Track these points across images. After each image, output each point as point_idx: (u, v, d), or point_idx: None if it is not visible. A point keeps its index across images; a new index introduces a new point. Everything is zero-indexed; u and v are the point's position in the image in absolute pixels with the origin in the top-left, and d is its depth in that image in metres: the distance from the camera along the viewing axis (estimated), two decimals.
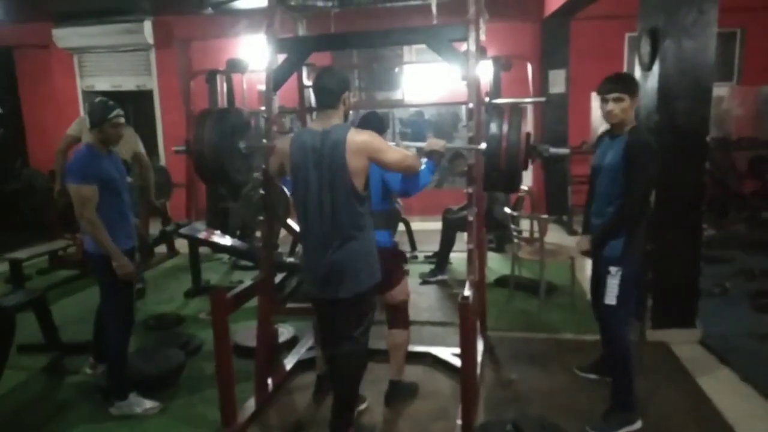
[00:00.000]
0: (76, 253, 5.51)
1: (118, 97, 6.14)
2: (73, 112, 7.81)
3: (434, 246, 5.48)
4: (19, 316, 3.80)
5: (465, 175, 2.93)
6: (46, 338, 3.87)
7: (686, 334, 3.72)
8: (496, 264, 5.56)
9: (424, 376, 3.38)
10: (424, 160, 2.64)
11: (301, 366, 3.49)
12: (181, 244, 5.72)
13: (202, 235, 4.91)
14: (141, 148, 4.64)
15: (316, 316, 2.82)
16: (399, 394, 3.08)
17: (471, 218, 2.86)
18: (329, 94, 2.40)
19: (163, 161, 7.90)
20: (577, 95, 7.33)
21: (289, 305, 3.44)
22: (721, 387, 3.15)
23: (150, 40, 7.79)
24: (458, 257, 5.39)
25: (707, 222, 5.52)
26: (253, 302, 3.07)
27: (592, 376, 3.27)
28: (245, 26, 7.14)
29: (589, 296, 4.45)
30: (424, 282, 5.16)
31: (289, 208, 3.12)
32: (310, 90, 3.05)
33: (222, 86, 6.66)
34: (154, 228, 6.12)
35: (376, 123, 2.92)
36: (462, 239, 4.06)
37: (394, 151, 2.42)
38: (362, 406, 2.98)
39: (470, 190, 2.85)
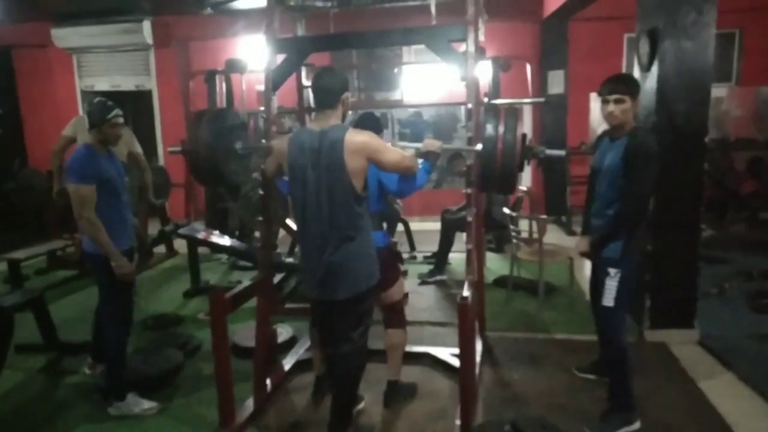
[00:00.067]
0: (74, 254, 5.51)
1: (117, 97, 6.13)
2: (72, 112, 7.80)
3: (433, 246, 5.48)
4: (18, 316, 3.79)
5: (464, 175, 2.93)
6: (45, 338, 3.87)
7: (685, 334, 3.72)
8: (495, 264, 5.56)
9: (423, 376, 3.38)
10: (420, 160, 2.64)
11: (300, 366, 3.49)
12: (180, 245, 5.72)
13: (201, 235, 4.91)
14: (137, 148, 4.63)
15: (315, 317, 2.81)
16: (397, 394, 3.08)
17: (470, 219, 2.86)
18: (329, 95, 2.39)
19: (162, 161, 7.90)
20: (575, 96, 7.34)
21: (288, 305, 3.45)
22: (720, 387, 3.16)
23: (149, 40, 7.79)
24: (457, 257, 5.39)
25: (706, 222, 5.53)
26: (252, 302, 3.07)
27: (591, 377, 3.27)
28: (244, 26, 7.14)
29: (587, 296, 4.46)
30: (423, 282, 5.16)
31: (288, 209, 3.13)
32: (310, 90, 3.05)
33: (221, 86, 6.66)
34: (153, 228, 6.13)
35: (372, 124, 2.92)
36: (461, 239, 4.06)
37: (393, 151, 2.42)
38: (359, 406, 2.98)
39: (469, 190, 2.85)
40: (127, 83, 8.32)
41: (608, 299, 2.72)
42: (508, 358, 3.61)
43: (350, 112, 3.13)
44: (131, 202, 3.21)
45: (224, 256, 6.11)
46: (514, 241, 4.72)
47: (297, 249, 4.67)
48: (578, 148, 7.34)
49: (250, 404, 3.02)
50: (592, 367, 3.30)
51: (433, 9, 3.56)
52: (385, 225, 3.22)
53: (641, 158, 2.58)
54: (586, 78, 6.98)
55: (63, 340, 3.90)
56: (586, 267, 4.79)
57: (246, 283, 3.05)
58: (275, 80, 3.08)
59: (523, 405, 3.05)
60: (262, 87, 3.17)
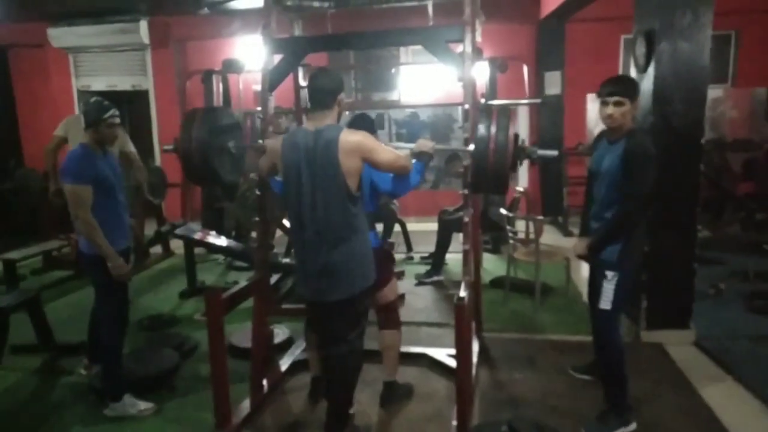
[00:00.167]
0: (70, 254, 5.50)
1: (113, 97, 6.11)
2: (69, 111, 7.78)
3: (430, 247, 5.48)
4: (13, 317, 3.79)
5: (461, 176, 2.93)
6: (40, 339, 3.85)
7: (681, 335, 3.73)
8: (492, 265, 5.57)
9: (420, 377, 3.38)
10: (413, 161, 2.64)
11: (297, 367, 3.48)
12: (177, 245, 5.72)
13: (197, 235, 4.91)
14: (130, 147, 4.63)
15: (310, 318, 2.81)
16: (394, 395, 3.08)
17: (467, 219, 2.86)
18: (325, 95, 2.39)
19: (158, 161, 7.89)
20: (572, 97, 7.35)
21: (285, 306, 3.45)
22: (716, 388, 3.16)
23: (146, 40, 7.77)
24: (454, 258, 5.39)
25: (702, 223, 5.55)
26: (249, 303, 3.07)
27: (587, 377, 3.28)
28: (241, 26, 7.13)
29: (584, 297, 4.48)
30: (420, 283, 5.16)
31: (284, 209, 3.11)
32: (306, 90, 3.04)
33: (218, 86, 6.68)
34: (150, 228, 6.12)
35: (366, 124, 2.92)
36: (458, 240, 4.07)
37: (387, 151, 2.41)
38: (351, 410, 2.97)
39: (466, 191, 2.85)
40: (123, 83, 8.30)
41: (605, 302, 2.71)
42: (505, 358, 3.61)
43: (347, 113, 3.14)
44: (127, 202, 3.19)
45: (221, 257, 6.11)
46: (511, 241, 4.72)
47: (293, 249, 4.67)
48: (575, 149, 7.36)
49: (246, 405, 3.01)
50: (588, 367, 3.30)
51: (430, 10, 3.56)
52: (378, 226, 3.21)
53: (640, 160, 2.57)
54: (583, 79, 7.01)
55: (58, 340, 3.89)
56: (583, 268, 4.80)
57: (242, 283, 3.04)
58: (272, 80, 3.08)
59: (520, 406, 3.05)
60: (259, 87, 3.17)
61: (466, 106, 2.79)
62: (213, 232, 5.19)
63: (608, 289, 2.70)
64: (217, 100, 6.45)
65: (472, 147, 2.64)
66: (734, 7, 6.25)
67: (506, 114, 2.60)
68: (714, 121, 7.01)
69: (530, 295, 4.53)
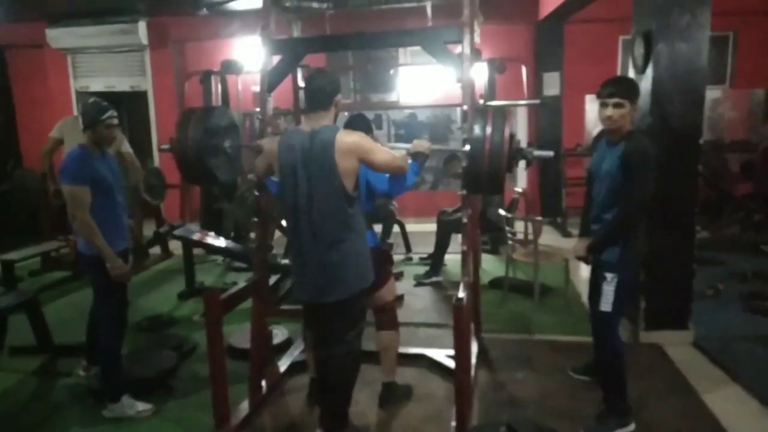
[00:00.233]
0: (68, 255, 5.49)
1: (112, 98, 6.12)
2: (67, 112, 7.75)
3: (429, 248, 5.48)
4: (11, 318, 3.79)
5: (459, 177, 2.93)
6: (39, 340, 3.85)
7: (679, 335, 3.73)
8: (491, 266, 5.57)
9: (419, 377, 3.38)
10: (410, 161, 2.64)
11: (295, 368, 3.48)
12: (175, 246, 5.70)
13: (196, 236, 4.90)
14: (127, 148, 4.62)
15: (308, 320, 2.80)
16: (392, 395, 3.08)
17: (465, 220, 2.86)
18: (322, 96, 2.39)
19: (157, 162, 7.88)
20: (571, 98, 7.36)
21: (284, 307, 3.44)
22: (714, 388, 3.17)
23: (144, 40, 7.77)
24: (453, 259, 5.39)
25: (700, 224, 5.55)
26: (248, 304, 3.06)
27: (586, 378, 3.28)
28: (240, 27, 7.13)
29: (582, 298, 4.49)
30: (419, 284, 5.16)
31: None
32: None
33: (217, 87, 6.68)
34: (148, 229, 6.11)
35: (362, 124, 2.92)
36: (456, 241, 4.07)
37: (384, 152, 2.41)
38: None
39: (464, 192, 2.85)
40: (122, 84, 8.29)
41: (605, 304, 2.71)
42: (504, 359, 3.62)
43: (346, 113, 3.14)
44: (126, 203, 3.19)
45: (219, 258, 6.10)
46: (510, 242, 4.72)
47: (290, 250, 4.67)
48: (574, 150, 7.37)
49: (245, 406, 3.01)
50: (587, 368, 3.30)
51: (428, 11, 3.57)
52: (377, 227, 3.21)
53: (639, 161, 2.56)
54: (582, 80, 7.01)
55: (57, 341, 3.89)
56: (582, 269, 4.81)
57: (241, 284, 3.04)
58: (271, 81, 3.08)
59: (519, 406, 3.06)
60: (257, 88, 3.17)
61: (465, 107, 2.79)
62: (212, 233, 5.18)
63: (608, 290, 2.69)
64: (216, 101, 6.45)
65: (467, 147, 2.65)
66: (732, 8, 6.26)
67: (502, 115, 2.59)
68: (712, 122, 7.02)
69: (529, 295, 4.53)
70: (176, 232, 4.98)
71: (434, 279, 5.20)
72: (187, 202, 6.84)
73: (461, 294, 2.62)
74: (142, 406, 3.07)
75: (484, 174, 2.57)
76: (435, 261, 5.29)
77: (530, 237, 4.69)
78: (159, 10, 7.55)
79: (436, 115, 7.79)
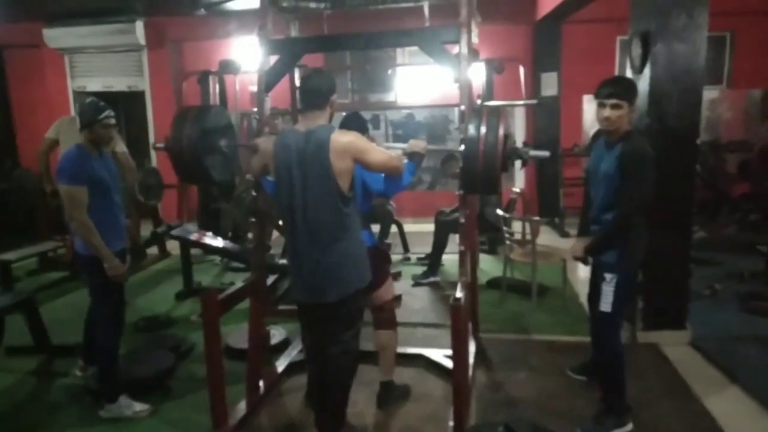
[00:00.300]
0: (65, 255, 5.48)
1: (109, 97, 6.11)
2: (64, 112, 7.74)
3: (427, 248, 5.48)
4: (8, 318, 3.78)
5: (457, 177, 2.93)
6: (36, 340, 3.84)
7: (677, 335, 3.74)
8: (489, 266, 5.58)
9: (417, 377, 3.38)
10: (405, 161, 2.63)
11: (293, 368, 3.47)
12: (173, 246, 5.70)
13: (193, 236, 4.89)
14: (122, 148, 4.61)
15: (303, 321, 2.79)
16: (390, 395, 3.07)
17: (463, 220, 2.86)
18: (318, 96, 2.39)
19: (154, 162, 7.87)
20: (569, 98, 7.36)
21: (281, 307, 3.43)
22: (711, 388, 3.17)
23: (142, 40, 7.76)
24: (451, 259, 5.39)
25: (697, 224, 5.56)
26: (245, 304, 3.06)
27: (584, 378, 3.28)
28: (238, 27, 7.12)
29: (580, 298, 4.50)
30: (417, 284, 5.16)
31: None
32: None
33: (214, 87, 6.67)
34: (146, 229, 6.10)
35: (358, 124, 2.91)
36: (454, 241, 4.06)
37: (379, 152, 2.41)
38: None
39: (462, 192, 2.85)
40: (119, 84, 8.28)
41: (605, 304, 2.71)
42: (502, 359, 3.62)
43: (343, 113, 3.13)
44: (123, 203, 3.19)
45: (217, 258, 6.09)
46: (508, 242, 4.73)
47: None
48: (571, 150, 7.37)
49: (242, 406, 3.01)
50: (584, 368, 3.30)
51: (426, 11, 3.57)
52: (375, 227, 3.20)
53: (638, 162, 2.56)
54: (579, 80, 7.01)
55: (54, 342, 3.88)
56: (579, 268, 4.81)
57: (239, 284, 3.04)
58: (268, 81, 3.08)
59: (516, 406, 3.06)
60: (255, 88, 3.16)
61: (462, 108, 2.79)
62: (209, 233, 5.17)
63: (608, 291, 2.69)
64: (214, 101, 6.44)
65: (462, 147, 2.65)
66: (729, 8, 6.28)
67: (496, 114, 2.59)
68: (709, 123, 7.03)
69: (527, 295, 4.54)
70: (174, 232, 4.96)
71: (432, 279, 5.20)
72: (185, 202, 6.83)
73: (459, 294, 2.62)
74: (139, 407, 3.07)
75: (479, 174, 2.57)
76: (433, 261, 5.30)
77: (528, 237, 4.70)
78: (156, 10, 7.53)
79: (434, 116, 7.78)
